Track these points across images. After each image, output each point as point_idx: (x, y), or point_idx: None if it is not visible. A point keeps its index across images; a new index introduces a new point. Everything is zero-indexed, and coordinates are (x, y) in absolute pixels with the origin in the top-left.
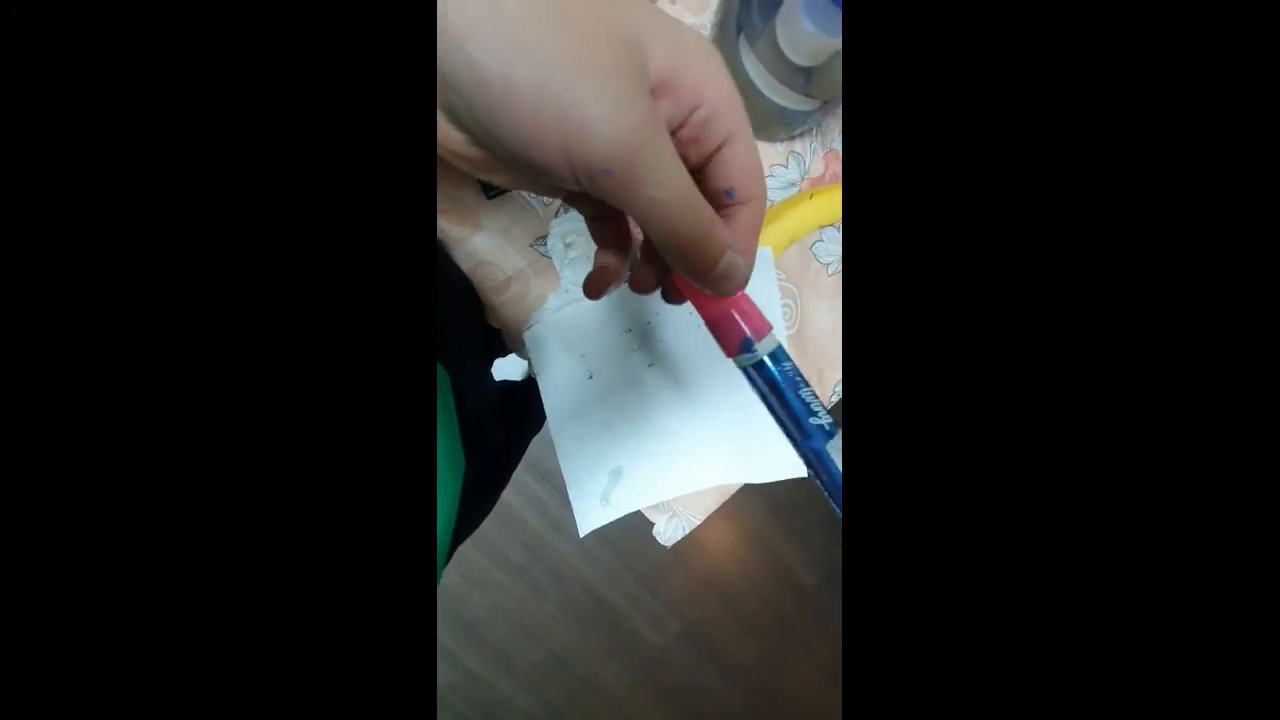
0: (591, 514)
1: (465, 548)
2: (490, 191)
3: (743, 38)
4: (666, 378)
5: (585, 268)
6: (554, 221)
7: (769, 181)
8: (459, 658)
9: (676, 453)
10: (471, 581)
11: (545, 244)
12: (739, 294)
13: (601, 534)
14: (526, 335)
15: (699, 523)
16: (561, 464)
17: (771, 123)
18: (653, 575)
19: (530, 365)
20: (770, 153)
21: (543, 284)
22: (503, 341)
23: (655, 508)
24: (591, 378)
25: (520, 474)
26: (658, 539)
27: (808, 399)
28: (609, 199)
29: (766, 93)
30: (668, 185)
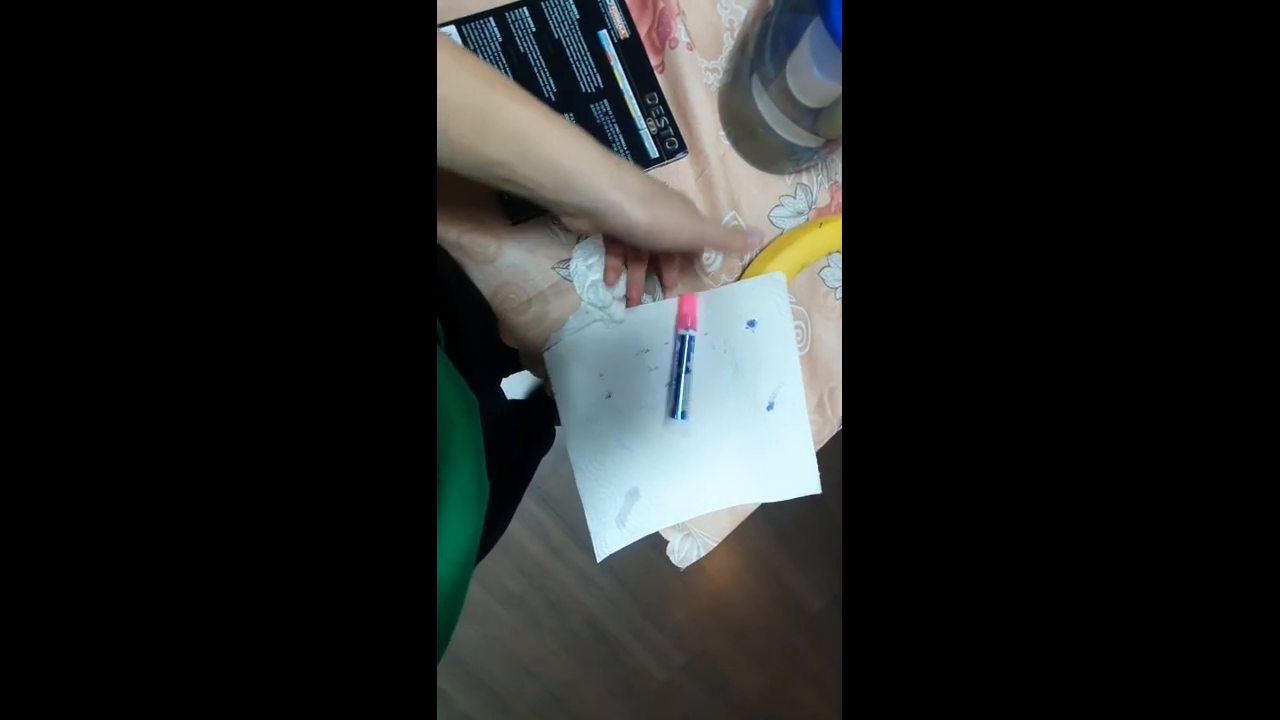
0: (609, 537)
1: None
2: (516, 217)
3: (755, 80)
4: (688, 404)
5: (606, 290)
6: (577, 246)
7: (779, 210)
8: (451, 700)
9: (693, 473)
10: (466, 614)
11: (567, 267)
12: (694, 298)
13: (604, 560)
14: (546, 355)
15: (714, 545)
16: (579, 484)
17: (781, 158)
18: (656, 605)
19: (548, 384)
20: (779, 185)
21: (563, 305)
22: (515, 360)
23: (671, 527)
24: (610, 397)
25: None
26: (671, 559)
27: (686, 383)
28: (697, 246)
29: (777, 130)
30: (723, 235)
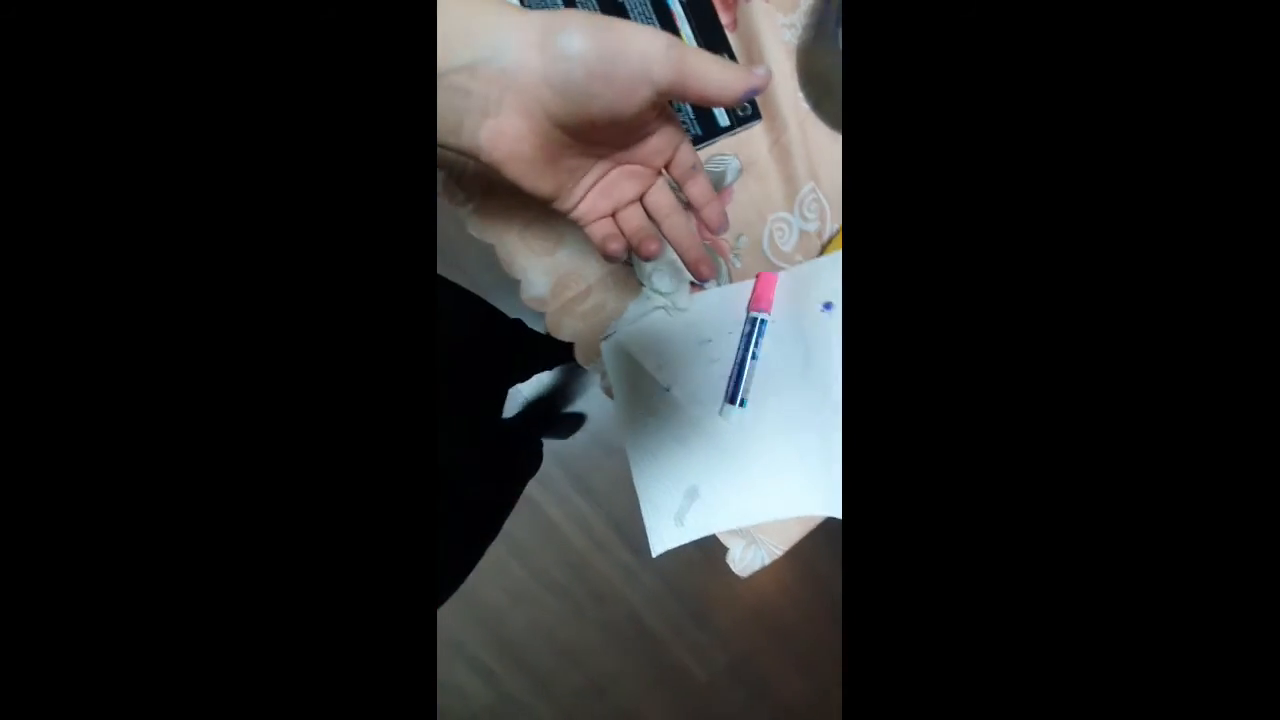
0: (665, 534)
1: (507, 561)
2: None
3: (843, 28)
4: (750, 394)
5: (669, 274)
6: None
7: None
8: (499, 679)
9: (758, 474)
10: (514, 597)
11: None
12: (774, 279)
13: (646, 557)
14: (604, 345)
15: (780, 554)
16: (634, 479)
17: None
18: (700, 605)
19: (604, 377)
20: None
21: (622, 293)
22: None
23: (733, 533)
24: (669, 390)
25: (565, 490)
26: (732, 567)
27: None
28: (677, 85)
29: None
30: (703, 56)
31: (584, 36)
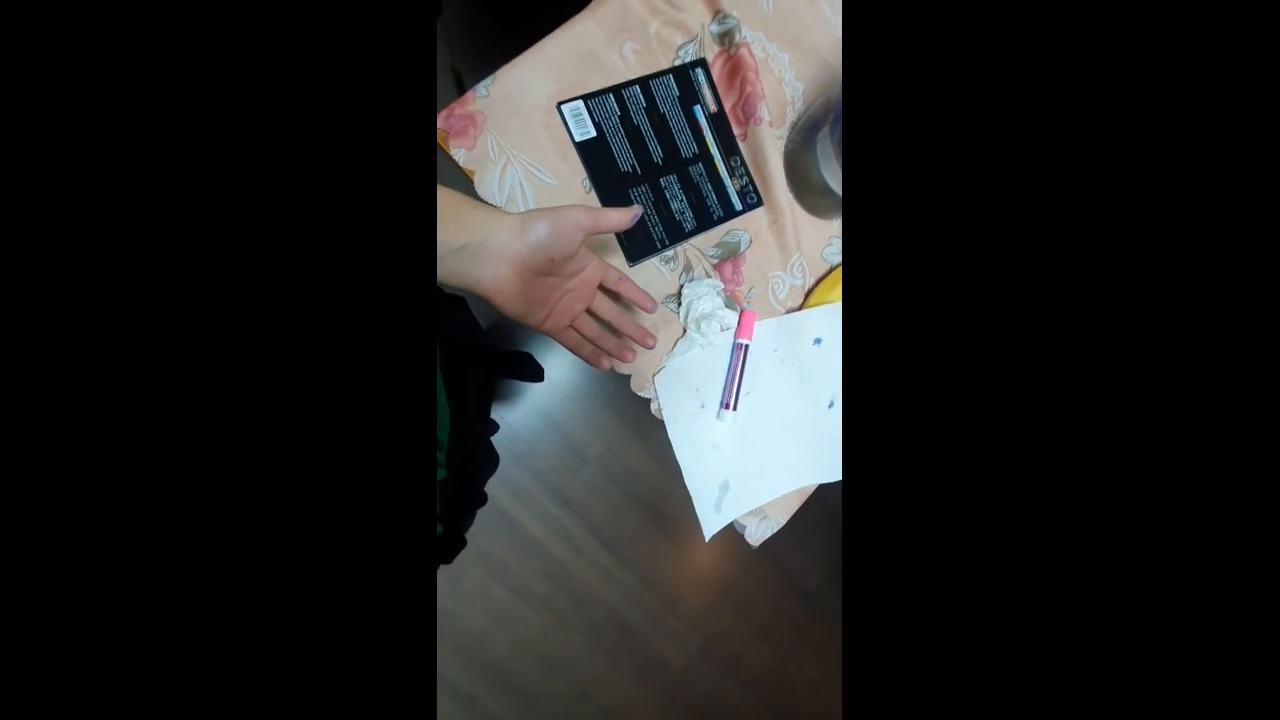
0: (710, 521)
1: (487, 583)
2: (633, 258)
3: (820, 139)
4: (759, 404)
5: (713, 322)
6: (686, 283)
7: (829, 249)
8: (480, 703)
9: (769, 463)
10: (494, 619)
11: (674, 301)
12: (754, 315)
13: (623, 555)
14: (657, 378)
15: (784, 522)
16: (685, 479)
17: (830, 207)
18: (672, 592)
19: (655, 401)
20: (829, 228)
21: (669, 334)
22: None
23: (750, 512)
24: (704, 407)
25: (544, 503)
26: (748, 539)
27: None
28: (594, 227)
29: (829, 182)
30: (606, 211)
31: (543, 222)
